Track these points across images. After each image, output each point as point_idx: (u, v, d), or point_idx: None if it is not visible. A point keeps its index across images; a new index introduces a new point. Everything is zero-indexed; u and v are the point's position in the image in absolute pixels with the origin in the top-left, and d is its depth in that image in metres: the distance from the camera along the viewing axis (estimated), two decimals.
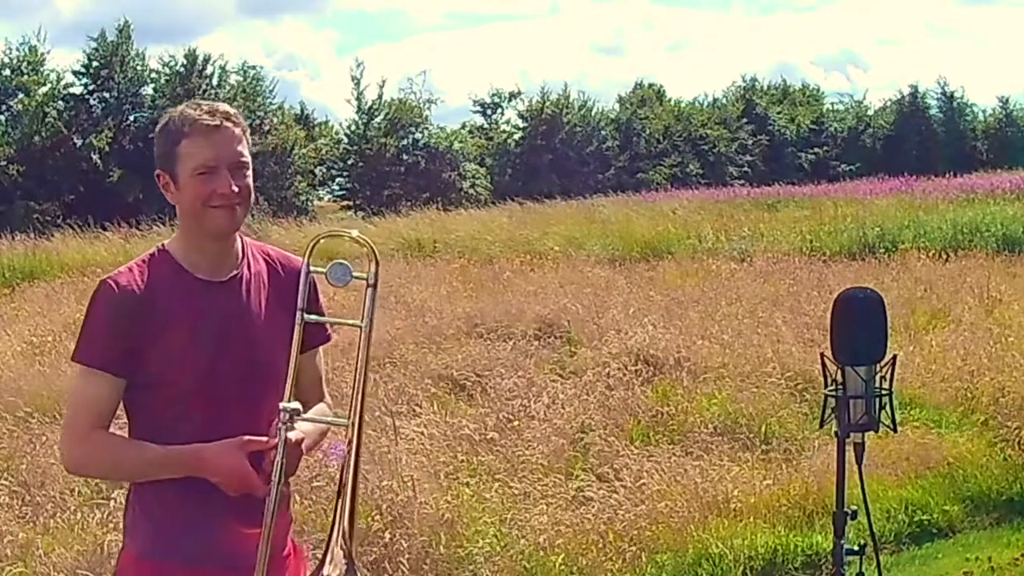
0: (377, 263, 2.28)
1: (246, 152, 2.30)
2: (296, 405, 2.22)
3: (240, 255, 2.37)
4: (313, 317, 2.35)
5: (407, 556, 4.61)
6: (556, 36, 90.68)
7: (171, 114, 2.32)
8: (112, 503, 5.01)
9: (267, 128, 33.72)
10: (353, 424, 2.26)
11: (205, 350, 2.25)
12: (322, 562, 2.17)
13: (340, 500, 2.23)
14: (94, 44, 31.60)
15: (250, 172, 2.32)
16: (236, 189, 2.26)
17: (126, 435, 2.34)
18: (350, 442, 2.25)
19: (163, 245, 2.37)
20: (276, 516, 2.24)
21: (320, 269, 2.31)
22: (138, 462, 2.26)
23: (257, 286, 2.36)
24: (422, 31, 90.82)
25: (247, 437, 2.21)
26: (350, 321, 2.37)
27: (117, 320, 2.24)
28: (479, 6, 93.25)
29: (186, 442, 2.23)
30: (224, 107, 2.32)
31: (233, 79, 33.83)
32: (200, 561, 2.27)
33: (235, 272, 2.35)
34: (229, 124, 2.27)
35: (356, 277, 2.27)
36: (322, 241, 2.40)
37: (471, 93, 54.67)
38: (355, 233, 2.36)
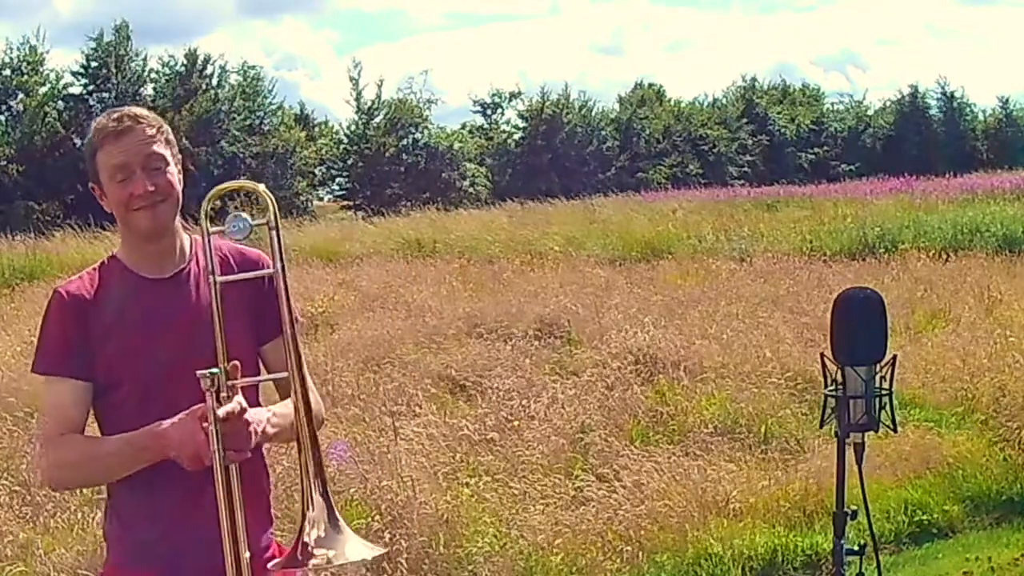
0: (275, 208, 2.24)
1: (161, 149, 2.30)
2: (216, 370, 2.14)
3: (188, 252, 2.39)
4: (227, 278, 2.28)
5: (406, 556, 4.61)
6: (555, 36, 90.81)
7: (89, 127, 2.36)
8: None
9: (267, 128, 33.75)
10: (293, 376, 2.19)
11: (157, 345, 2.27)
12: (301, 526, 2.11)
13: (302, 455, 2.15)
14: (92, 44, 31.63)
15: (171, 168, 2.31)
16: (152, 188, 2.27)
17: None
18: (294, 393, 2.19)
19: (113, 253, 2.40)
20: (233, 497, 2.17)
21: (219, 228, 2.25)
22: (102, 455, 2.24)
23: (204, 279, 2.32)
24: (421, 31, 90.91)
25: (200, 405, 2.15)
26: (264, 272, 2.32)
27: (68, 325, 2.28)
28: (478, 6, 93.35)
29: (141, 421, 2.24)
30: (134, 110, 2.34)
31: (233, 79, 33.86)
32: (177, 567, 2.27)
33: (181, 267, 2.37)
34: (139, 125, 2.28)
35: (256, 224, 2.25)
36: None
37: (471, 93, 54.76)
38: (247, 183, 2.35)
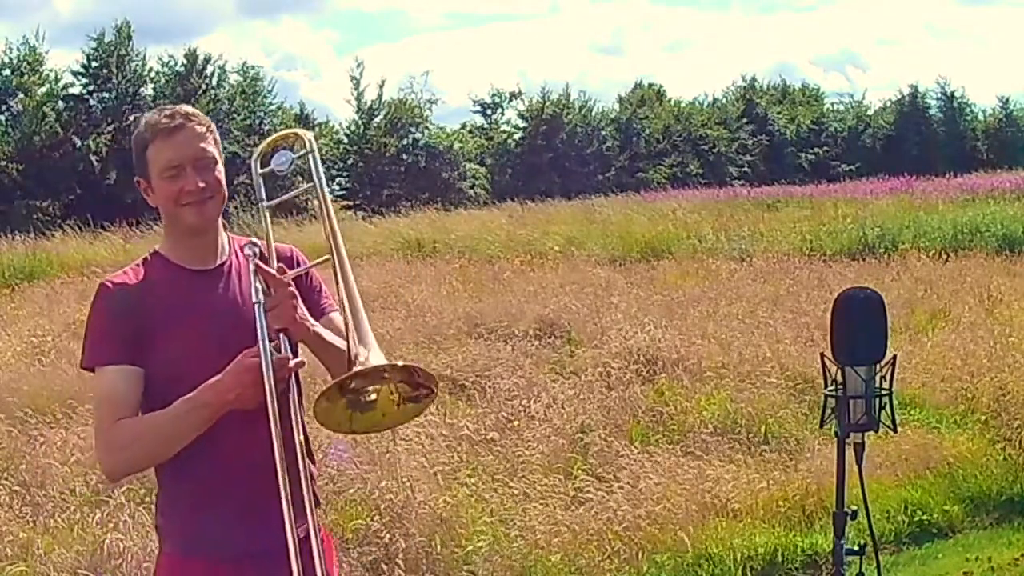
0: (312, 138, 2.50)
1: (211, 148, 2.37)
2: (257, 241, 2.37)
3: (227, 247, 2.46)
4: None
5: (406, 556, 4.61)
6: (555, 36, 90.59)
7: (139, 122, 2.43)
8: (112, 503, 5.01)
9: (267, 128, 33.72)
10: (333, 258, 2.32)
11: (208, 334, 2.31)
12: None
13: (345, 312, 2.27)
14: (93, 44, 31.62)
15: (219, 166, 2.39)
16: (202, 185, 2.33)
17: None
18: (335, 270, 2.30)
19: (155, 249, 2.47)
20: (282, 403, 2.27)
21: (264, 170, 2.47)
22: (160, 423, 2.24)
23: (246, 272, 2.40)
24: (421, 31, 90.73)
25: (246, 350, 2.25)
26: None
27: (118, 314, 2.31)
28: (478, 6, 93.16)
29: (206, 429, 2.29)
30: (185, 108, 2.40)
31: (233, 79, 33.85)
32: (234, 554, 2.32)
33: (223, 260, 2.44)
34: (190, 123, 2.35)
35: (298, 157, 2.45)
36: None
37: (471, 93, 54.70)
38: (296, 130, 2.59)
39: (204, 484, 2.32)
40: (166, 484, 2.39)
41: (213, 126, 2.43)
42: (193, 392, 2.24)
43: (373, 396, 2.19)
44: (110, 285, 2.35)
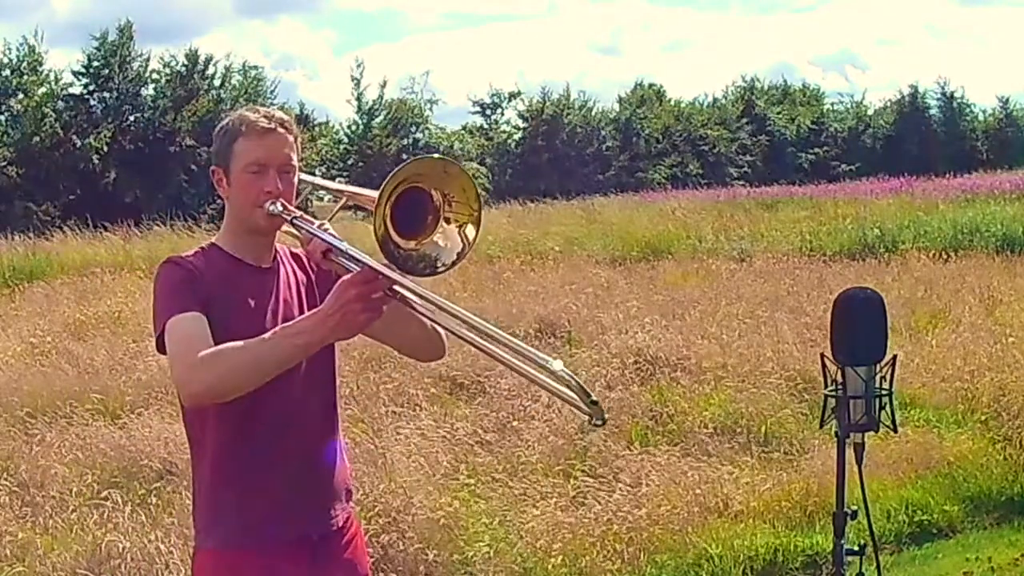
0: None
1: (295, 158, 2.46)
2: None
3: (278, 253, 2.55)
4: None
5: (405, 558, 4.61)
6: (553, 36, 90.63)
7: (231, 116, 2.49)
8: (110, 503, 5.01)
9: None
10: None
11: (254, 327, 2.32)
12: None
13: None
14: (95, 44, 31.61)
15: (296, 177, 2.48)
16: (281, 188, 2.41)
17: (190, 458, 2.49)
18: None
19: (211, 241, 2.53)
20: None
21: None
22: (257, 348, 2.19)
23: (295, 273, 2.53)
24: (420, 31, 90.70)
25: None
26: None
27: (186, 279, 2.35)
28: (477, 6, 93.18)
29: (257, 416, 2.34)
30: (280, 114, 2.49)
31: (235, 80, 33.85)
32: (281, 540, 2.38)
33: (276, 262, 2.52)
34: (282, 130, 2.43)
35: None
36: None
37: (470, 93, 54.74)
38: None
39: (249, 473, 2.36)
40: (207, 476, 2.41)
41: (300, 138, 2.52)
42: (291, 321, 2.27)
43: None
44: (176, 260, 2.39)
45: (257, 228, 2.44)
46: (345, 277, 2.18)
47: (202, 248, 2.49)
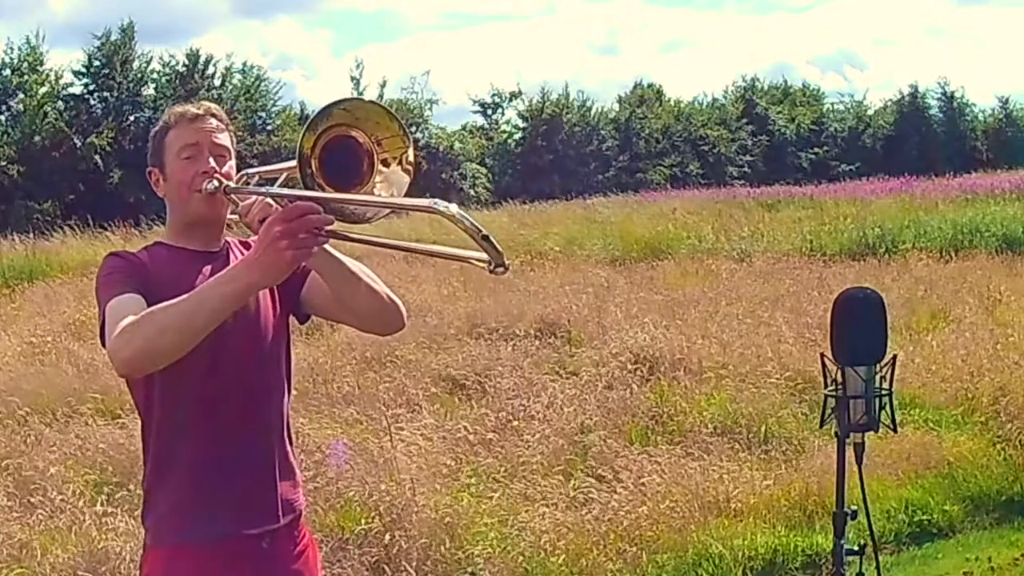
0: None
1: (227, 143, 2.43)
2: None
3: (227, 242, 2.49)
4: None
5: (407, 558, 4.60)
6: (550, 36, 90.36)
7: (166, 112, 2.48)
8: (109, 504, 5.01)
9: (270, 128, 33.73)
10: None
11: None
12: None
13: None
14: (97, 43, 31.65)
15: (232, 163, 2.42)
16: (217, 169, 2.36)
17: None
18: None
19: (157, 240, 2.49)
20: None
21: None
22: (187, 303, 2.09)
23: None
24: (416, 31, 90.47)
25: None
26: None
27: (126, 271, 2.31)
28: (473, 6, 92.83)
29: (196, 395, 2.30)
30: (209, 104, 2.48)
31: (235, 80, 33.87)
32: (229, 536, 2.33)
33: (224, 249, 2.46)
34: (211, 117, 2.42)
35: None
36: None
37: (470, 93, 54.72)
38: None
39: (198, 469, 2.32)
40: (159, 474, 2.37)
41: (231, 127, 2.50)
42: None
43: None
44: (118, 252, 2.40)
45: (199, 217, 2.38)
46: (271, 216, 2.06)
47: (147, 246, 2.47)
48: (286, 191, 2.17)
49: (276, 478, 2.40)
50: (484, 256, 1.98)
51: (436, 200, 1.94)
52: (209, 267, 2.36)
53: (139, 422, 2.44)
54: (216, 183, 2.33)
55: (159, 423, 2.35)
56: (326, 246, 2.19)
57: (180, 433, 2.32)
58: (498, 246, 1.95)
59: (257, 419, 2.38)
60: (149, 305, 2.17)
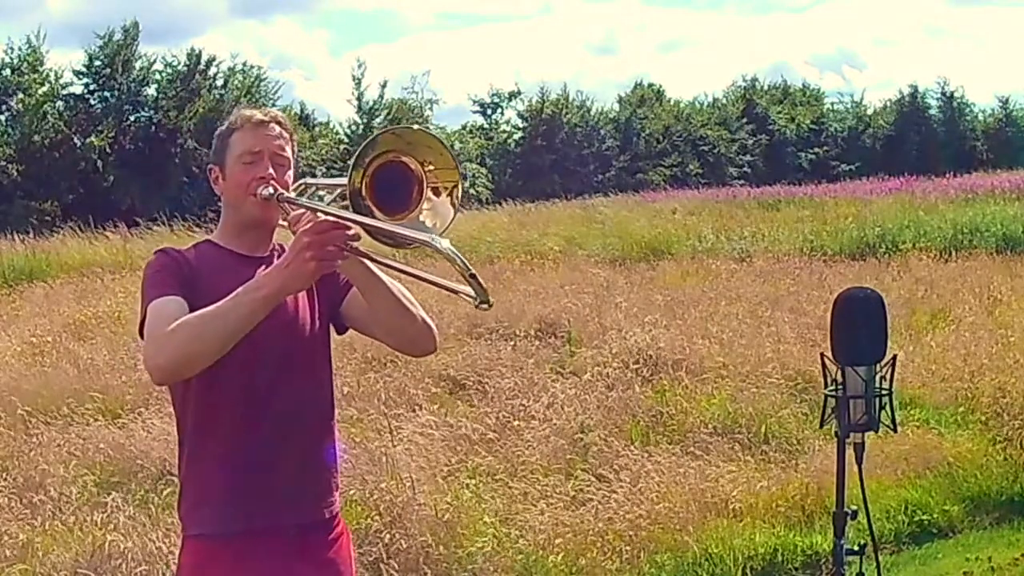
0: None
1: (289, 152, 2.48)
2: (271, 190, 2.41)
3: (274, 245, 2.54)
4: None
5: (406, 556, 4.61)
6: (548, 37, 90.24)
7: (230, 117, 2.53)
8: (111, 504, 5.01)
9: None
10: None
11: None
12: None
13: None
14: (99, 43, 31.63)
15: (290, 173, 2.48)
16: (274, 175, 2.42)
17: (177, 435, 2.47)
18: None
19: (206, 238, 2.54)
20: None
21: None
22: (218, 311, 2.17)
23: None
24: (415, 31, 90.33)
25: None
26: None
27: (172, 269, 2.37)
28: (470, 6, 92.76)
29: (232, 394, 2.33)
30: (276, 112, 2.55)
31: (236, 80, 33.85)
32: (257, 527, 2.37)
33: (272, 253, 2.51)
34: (276, 124, 2.48)
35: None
36: None
37: (470, 93, 54.70)
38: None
39: (233, 464, 2.36)
40: (194, 467, 2.42)
41: (295, 137, 2.55)
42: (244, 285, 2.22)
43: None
44: (165, 251, 2.43)
45: (252, 219, 2.45)
46: (302, 228, 2.20)
47: (195, 244, 2.51)
48: (333, 210, 2.23)
49: (311, 472, 2.45)
50: (471, 291, 2.09)
51: (434, 236, 2.03)
52: (253, 271, 2.38)
53: (173, 419, 2.51)
54: (272, 189, 2.39)
55: (195, 419, 2.39)
56: (369, 264, 2.33)
57: (215, 429, 2.37)
58: (483, 284, 2.08)
59: (291, 416, 2.42)
60: (191, 306, 2.25)
